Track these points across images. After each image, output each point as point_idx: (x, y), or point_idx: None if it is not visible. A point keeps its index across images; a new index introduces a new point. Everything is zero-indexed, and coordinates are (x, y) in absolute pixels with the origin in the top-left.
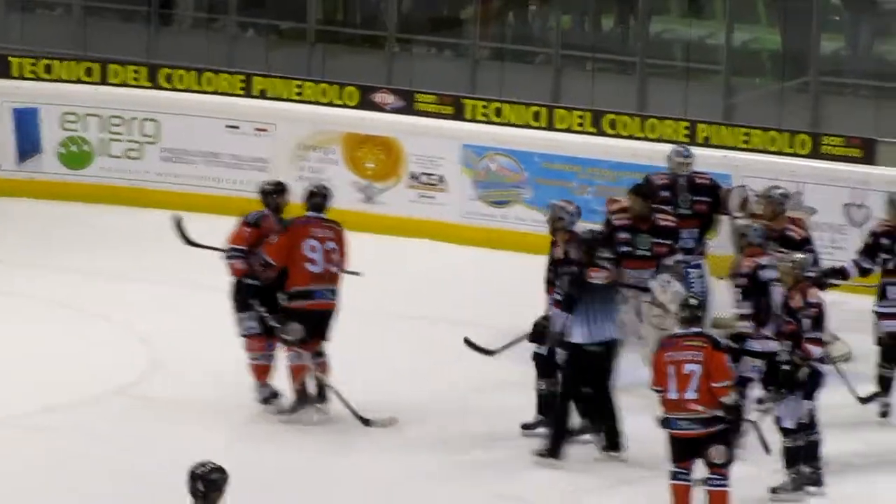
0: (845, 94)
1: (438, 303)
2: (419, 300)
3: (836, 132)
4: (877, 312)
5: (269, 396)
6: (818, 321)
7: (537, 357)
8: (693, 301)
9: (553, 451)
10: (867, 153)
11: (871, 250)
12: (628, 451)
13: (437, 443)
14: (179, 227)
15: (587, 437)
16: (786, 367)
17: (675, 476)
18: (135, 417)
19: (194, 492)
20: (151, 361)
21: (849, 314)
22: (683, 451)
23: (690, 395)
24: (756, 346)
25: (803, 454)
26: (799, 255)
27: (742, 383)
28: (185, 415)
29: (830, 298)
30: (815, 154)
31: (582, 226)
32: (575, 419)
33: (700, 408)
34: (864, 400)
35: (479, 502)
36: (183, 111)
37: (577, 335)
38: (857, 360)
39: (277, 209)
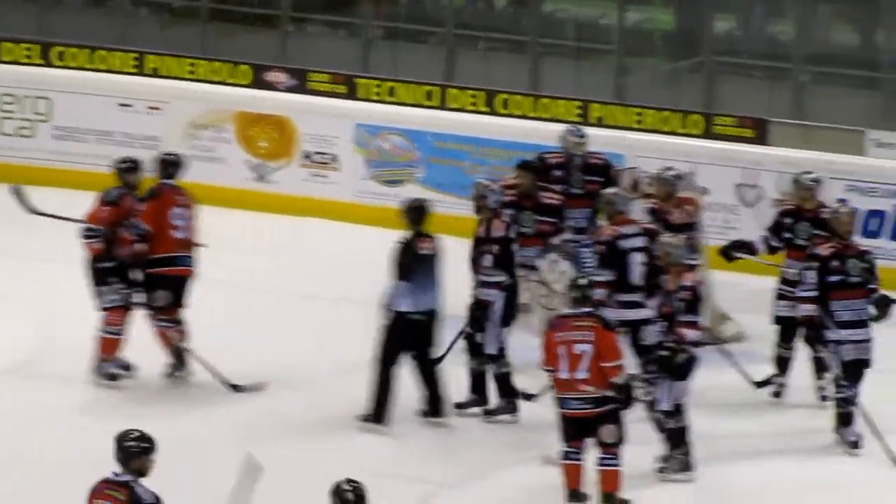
0: (738, 75)
1: (338, 282)
2: (316, 279)
3: (728, 112)
4: (797, 297)
5: (121, 369)
6: (691, 305)
7: (467, 336)
8: (582, 281)
9: (377, 416)
10: (760, 133)
11: (777, 229)
12: (451, 416)
13: (309, 416)
14: (20, 196)
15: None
16: (663, 352)
17: (566, 455)
18: (26, 395)
19: (117, 458)
20: (43, 339)
21: (743, 294)
22: (575, 430)
23: (581, 374)
24: (609, 313)
25: (683, 435)
26: (670, 240)
27: None
28: (75, 391)
29: (724, 279)
30: (708, 134)
31: (411, 195)
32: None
33: (591, 388)
34: (759, 384)
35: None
36: (75, 89)
37: (404, 304)
38: (753, 340)
39: (133, 186)
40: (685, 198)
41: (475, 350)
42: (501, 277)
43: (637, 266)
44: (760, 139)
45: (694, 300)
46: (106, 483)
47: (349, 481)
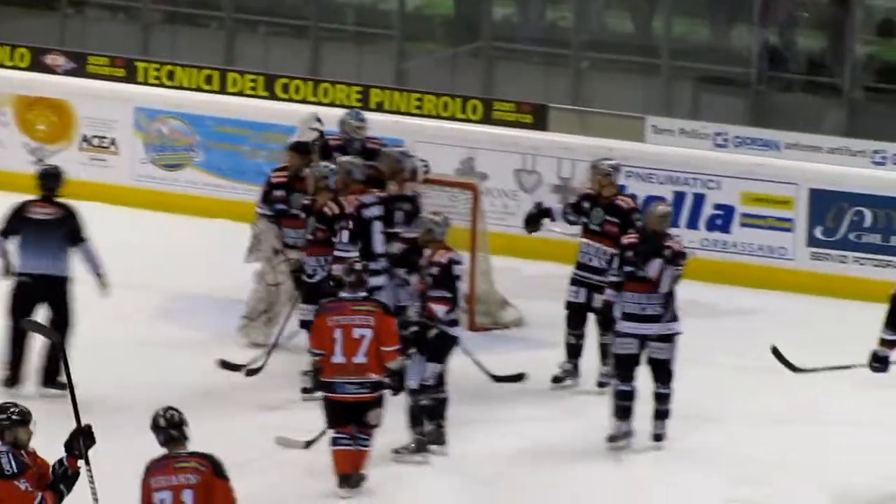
0: (517, 61)
1: (111, 266)
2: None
3: (507, 98)
4: (597, 283)
5: None
6: (439, 280)
7: (305, 324)
8: (358, 265)
9: (12, 379)
10: (538, 119)
11: (575, 207)
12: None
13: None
14: None
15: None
16: (414, 327)
17: (336, 442)
18: None
19: None
20: None
21: (524, 280)
22: (344, 415)
23: (360, 359)
24: None
25: (428, 414)
26: (432, 217)
27: None
28: None
29: (504, 264)
30: (487, 120)
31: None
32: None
33: (369, 372)
34: (498, 378)
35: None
36: None
37: (20, 265)
38: (532, 325)
39: None
40: (413, 175)
41: None
42: (356, 253)
43: (378, 234)
44: (539, 125)
45: (444, 276)
46: None
47: (166, 409)
